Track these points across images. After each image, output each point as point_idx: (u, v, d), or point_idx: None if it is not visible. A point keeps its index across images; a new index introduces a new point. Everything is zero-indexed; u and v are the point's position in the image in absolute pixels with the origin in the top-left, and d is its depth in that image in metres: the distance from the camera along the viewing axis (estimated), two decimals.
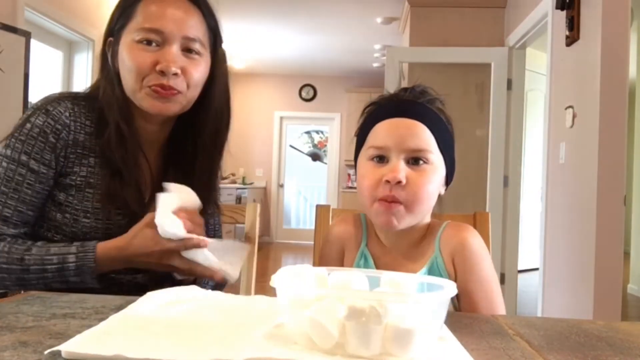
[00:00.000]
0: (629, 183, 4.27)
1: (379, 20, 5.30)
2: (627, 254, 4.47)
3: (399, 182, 0.85)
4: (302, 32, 5.91)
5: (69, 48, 4.03)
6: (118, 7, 1.04)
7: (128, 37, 0.99)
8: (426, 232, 0.96)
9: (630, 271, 5.30)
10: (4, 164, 0.96)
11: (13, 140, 0.97)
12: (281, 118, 8.35)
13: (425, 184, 0.87)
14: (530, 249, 5.24)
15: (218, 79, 1.07)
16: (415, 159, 0.88)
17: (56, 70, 4.00)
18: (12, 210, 0.95)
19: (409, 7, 4.40)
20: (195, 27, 1.01)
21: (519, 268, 4.18)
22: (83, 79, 4.02)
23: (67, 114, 0.99)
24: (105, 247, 0.94)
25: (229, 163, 7.15)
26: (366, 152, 0.92)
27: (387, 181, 0.86)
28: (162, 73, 0.96)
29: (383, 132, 0.90)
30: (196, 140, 1.07)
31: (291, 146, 8.57)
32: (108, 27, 1.05)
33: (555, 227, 3.08)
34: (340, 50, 6.60)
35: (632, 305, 4.82)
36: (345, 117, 7.94)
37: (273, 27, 5.67)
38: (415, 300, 0.55)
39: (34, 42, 3.29)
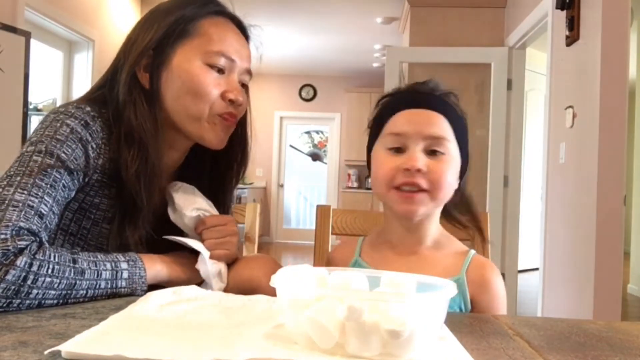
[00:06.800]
0: (629, 183, 4.27)
1: (379, 20, 5.30)
2: (627, 254, 4.47)
3: (419, 170, 0.85)
4: (302, 32, 5.91)
5: (69, 48, 4.04)
6: (166, 19, 0.93)
7: (190, 55, 0.91)
8: (442, 240, 0.96)
9: (630, 271, 5.31)
10: (36, 157, 0.81)
11: (47, 138, 0.83)
12: (281, 118, 8.36)
13: (445, 171, 0.87)
14: (530, 249, 5.24)
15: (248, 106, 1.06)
16: (432, 151, 0.87)
17: (56, 70, 4.00)
18: (48, 210, 0.79)
19: (409, 7, 4.40)
20: (249, 59, 0.99)
21: (519, 268, 4.18)
22: (83, 79, 4.02)
23: (101, 137, 0.89)
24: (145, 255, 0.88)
25: None
26: (383, 140, 0.91)
27: (407, 169, 0.85)
28: (232, 102, 0.93)
29: (402, 120, 0.89)
30: (215, 164, 1.04)
31: (291, 146, 8.57)
32: (145, 41, 0.92)
33: (555, 227, 3.07)
34: (340, 50, 6.60)
35: (632, 305, 4.82)
36: (345, 117, 7.95)
37: (273, 27, 5.67)
38: (415, 300, 0.55)
39: (34, 42, 3.30)
